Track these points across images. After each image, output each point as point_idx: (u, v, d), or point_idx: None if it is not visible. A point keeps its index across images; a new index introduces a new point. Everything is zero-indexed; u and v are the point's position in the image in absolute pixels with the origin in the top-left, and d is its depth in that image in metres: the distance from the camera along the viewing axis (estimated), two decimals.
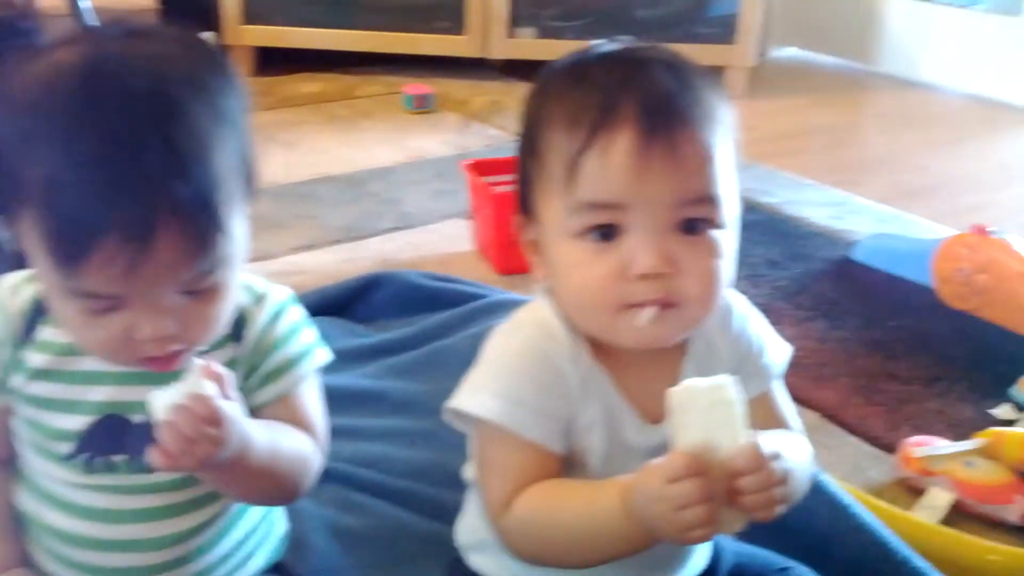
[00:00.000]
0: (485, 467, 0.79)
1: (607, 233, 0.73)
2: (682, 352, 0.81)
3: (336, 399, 1.33)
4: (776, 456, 0.68)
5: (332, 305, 1.56)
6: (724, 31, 2.81)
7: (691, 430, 0.68)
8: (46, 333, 0.76)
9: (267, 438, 0.75)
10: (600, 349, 0.78)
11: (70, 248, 0.65)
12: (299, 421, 0.80)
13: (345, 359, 1.44)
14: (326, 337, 1.46)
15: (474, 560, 0.88)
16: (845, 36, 3.25)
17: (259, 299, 0.81)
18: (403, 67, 2.94)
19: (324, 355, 0.84)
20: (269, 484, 0.78)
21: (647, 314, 0.73)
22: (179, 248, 0.67)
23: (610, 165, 0.71)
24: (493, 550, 0.82)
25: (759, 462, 0.67)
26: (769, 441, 0.69)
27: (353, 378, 1.40)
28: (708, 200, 0.73)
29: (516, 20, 2.82)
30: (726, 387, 0.68)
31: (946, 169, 2.41)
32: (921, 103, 2.96)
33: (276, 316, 0.81)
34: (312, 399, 0.82)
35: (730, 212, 0.76)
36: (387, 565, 1.04)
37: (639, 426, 0.79)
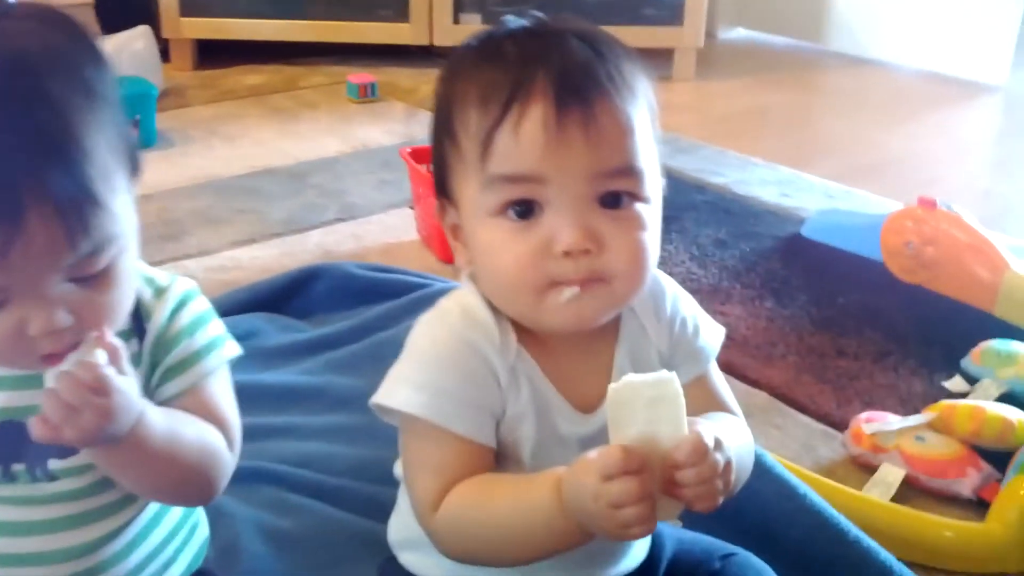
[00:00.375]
0: (412, 464, 0.76)
1: (526, 210, 0.70)
2: (614, 337, 0.78)
3: (272, 397, 1.31)
4: (718, 446, 0.65)
5: (268, 300, 1.51)
6: (671, 13, 2.78)
7: (630, 424, 0.65)
8: None
9: (167, 423, 0.71)
10: (528, 336, 0.75)
11: None
12: (208, 416, 0.76)
13: (282, 355, 1.40)
14: (261, 333, 1.45)
15: (406, 559, 0.85)
16: (794, 16, 3.24)
17: (161, 291, 0.77)
18: (348, 57, 2.89)
19: (233, 349, 0.80)
20: (173, 475, 0.73)
21: (569, 292, 0.70)
22: (53, 230, 0.63)
23: (524, 137, 0.69)
24: (425, 548, 0.79)
25: (701, 454, 0.64)
26: (710, 429, 0.66)
27: (290, 375, 1.35)
28: (629, 172, 0.71)
29: (461, 6, 2.78)
30: (670, 382, 0.65)
31: (897, 146, 2.41)
32: (872, 81, 2.95)
33: (179, 308, 0.77)
34: (222, 394, 0.78)
35: (654, 186, 0.73)
36: (322, 567, 1.01)
37: (571, 415, 0.76)
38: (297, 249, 1.77)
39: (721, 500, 0.66)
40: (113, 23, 2.57)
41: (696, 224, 1.86)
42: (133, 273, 0.71)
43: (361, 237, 1.83)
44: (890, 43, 3.05)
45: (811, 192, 2.06)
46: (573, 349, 0.76)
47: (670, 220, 1.95)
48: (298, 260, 1.69)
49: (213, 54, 2.88)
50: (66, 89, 0.64)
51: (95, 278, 0.67)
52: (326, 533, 1.05)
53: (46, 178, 0.62)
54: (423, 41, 2.82)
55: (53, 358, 0.67)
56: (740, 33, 3.42)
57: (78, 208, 0.63)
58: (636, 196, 0.71)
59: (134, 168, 0.71)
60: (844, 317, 1.55)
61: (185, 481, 0.74)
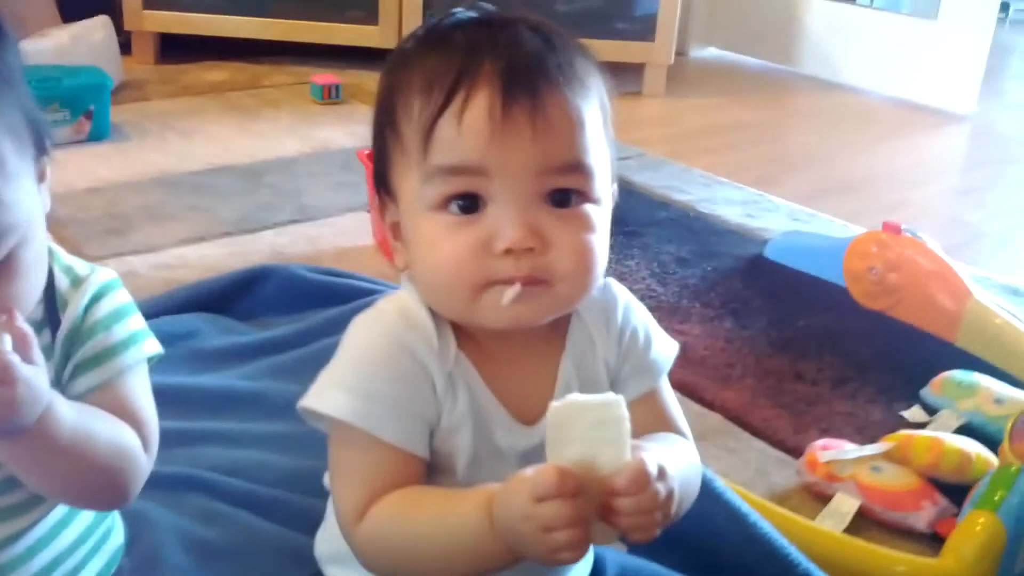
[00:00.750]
0: (338, 472, 0.72)
1: (469, 205, 0.67)
2: (560, 346, 0.74)
3: (207, 401, 1.25)
4: (661, 475, 0.61)
5: (211, 300, 1.46)
6: (643, 28, 2.77)
7: (570, 445, 0.61)
8: None
9: (76, 417, 0.66)
10: (470, 341, 0.72)
11: None
12: (123, 415, 0.71)
13: (220, 358, 1.35)
14: (200, 334, 1.39)
15: (332, 572, 0.81)
16: (766, 37, 3.24)
17: (78, 281, 0.72)
18: (314, 57, 2.84)
19: (153, 346, 0.75)
20: (82, 474, 0.68)
21: (511, 292, 0.66)
22: None
23: (467, 126, 0.65)
24: (353, 563, 0.74)
25: (641, 484, 0.60)
26: (654, 457, 0.62)
27: (228, 379, 1.30)
28: (577, 168, 0.67)
29: (431, 10, 2.74)
30: (615, 405, 0.61)
31: (863, 168, 2.39)
32: (840, 104, 2.95)
33: (96, 299, 0.72)
34: (139, 393, 0.73)
35: (604, 188, 0.70)
36: None
37: (511, 426, 0.72)
38: (248, 249, 1.72)
39: (658, 531, 0.62)
40: (74, 11, 2.52)
41: (658, 241, 1.82)
42: (39, 262, 0.66)
43: (315, 239, 1.78)
44: (861, 69, 3.05)
45: (776, 213, 2.03)
46: (516, 356, 0.72)
47: (632, 236, 1.96)
48: (248, 260, 1.64)
49: (176, 49, 2.83)
50: None
51: None
52: (253, 545, 0.99)
53: None
54: (391, 44, 2.71)
55: None
56: (712, 52, 3.41)
57: None
58: (585, 196, 0.68)
59: (40, 148, 0.66)
60: (804, 341, 1.52)
61: (95, 482, 0.69)
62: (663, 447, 0.68)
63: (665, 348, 0.78)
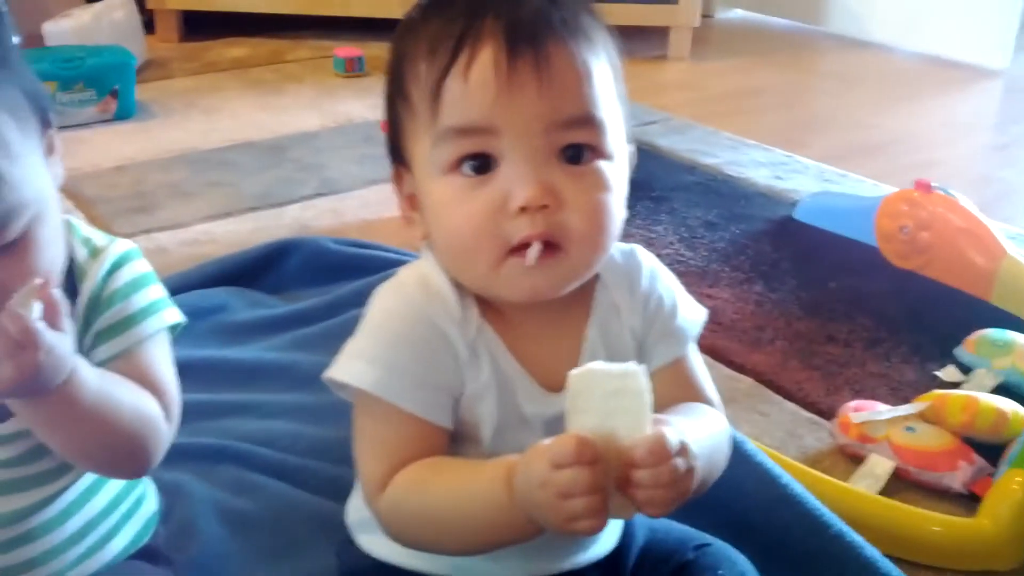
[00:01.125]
0: (362, 442, 0.72)
1: (481, 165, 0.66)
2: (585, 313, 0.74)
3: (238, 374, 1.26)
4: (683, 451, 0.60)
5: (238, 274, 1.46)
6: None
7: (589, 414, 0.60)
8: None
9: (100, 383, 0.67)
10: (492, 310, 0.71)
11: None
12: (143, 383, 0.71)
13: (249, 331, 1.36)
14: (229, 308, 1.40)
15: (363, 540, 0.80)
16: None
17: (97, 252, 0.73)
18: (335, 30, 2.83)
19: (174, 315, 0.75)
20: (104, 439, 0.68)
21: (533, 251, 0.65)
22: None
23: (474, 83, 0.65)
24: (379, 530, 0.75)
25: (659, 456, 0.59)
26: (677, 431, 0.61)
27: (257, 351, 1.31)
28: (587, 121, 0.66)
29: None
30: (636, 375, 0.60)
31: (893, 128, 2.35)
32: (870, 63, 2.89)
33: (115, 269, 0.72)
34: (159, 362, 0.74)
35: (618, 144, 0.69)
36: (279, 550, 0.97)
37: (536, 394, 0.71)
38: (273, 224, 1.72)
39: (673, 508, 0.61)
40: None
41: (686, 205, 1.80)
42: (56, 237, 0.67)
43: (339, 212, 1.78)
44: (891, 25, 2.99)
45: (804, 174, 2.00)
46: (541, 324, 0.72)
47: (659, 200, 1.94)
48: (273, 235, 1.64)
49: (199, 26, 2.82)
50: None
51: (11, 248, 0.63)
52: (286, 514, 1.00)
53: None
54: None
55: None
56: (738, 14, 3.36)
57: None
58: (598, 151, 0.67)
59: (44, 121, 0.66)
60: (835, 302, 1.50)
61: (117, 448, 0.70)
62: (688, 420, 0.67)
63: (692, 315, 0.77)
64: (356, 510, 0.82)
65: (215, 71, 2.58)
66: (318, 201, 1.82)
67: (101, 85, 2.15)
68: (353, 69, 2.54)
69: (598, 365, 0.61)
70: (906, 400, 1.22)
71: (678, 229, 1.71)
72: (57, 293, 0.63)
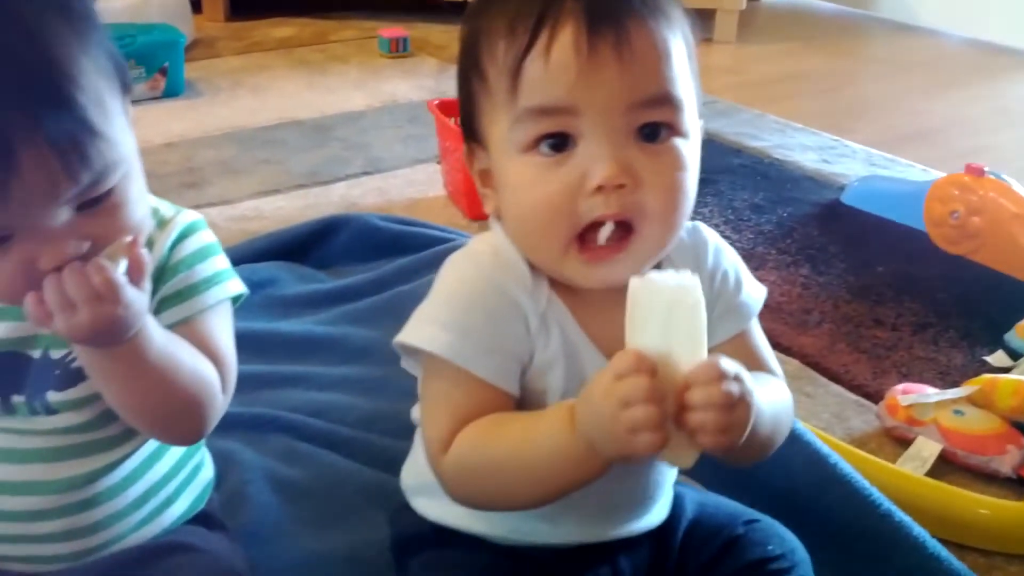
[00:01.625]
0: (429, 404, 0.72)
1: (559, 144, 0.66)
2: None
3: (289, 346, 1.28)
4: (737, 377, 0.61)
5: (288, 249, 1.48)
6: None
7: (648, 332, 0.61)
8: None
9: (165, 342, 0.68)
10: (561, 284, 0.71)
11: None
12: (202, 351, 0.72)
13: (300, 305, 1.37)
14: (279, 282, 1.41)
15: (418, 503, 0.82)
16: None
17: (164, 222, 0.74)
18: (380, 11, 2.85)
19: (236, 286, 0.76)
20: (163, 398, 0.69)
21: (605, 231, 0.66)
22: (50, 167, 0.59)
23: (554, 63, 0.64)
24: (439, 494, 0.76)
25: (713, 376, 0.59)
26: (734, 363, 0.61)
27: (307, 324, 1.32)
28: (666, 100, 0.66)
29: None
30: (691, 289, 0.61)
31: (942, 114, 2.32)
32: (918, 48, 2.86)
33: (181, 238, 0.74)
34: (220, 331, 0.75)
35: (693, 122, 0.69)
36: (329, 518, 0.98)
37: (602, 364, 0.71)
38: (320, 201, 1.74)
39: (728, 438, 0.60)
40: None
41: (732, 188, 1.80)
42: (142, 196, 0.68)
43: (386, 191, 1.79)
44: (939, 10, 2.95)
45: (852, 159, 1.99)
46: (609, 297, 0.71)
47: (705, 183, 1.88)
48: (321, 212, 1.66)
49: (245, 6, 2.85)
50: (43, 13, 0.60)
51: (103, 204, 0.64)
52: (335, 484, 1.02)
53: (34, 114, 0.58)
54: None
55: None
56: None
57: (73, 141, 0.60)
58: (675, 129, 0.67)
59: (125, 87, 0.67)
60: (883, 286, 1.49)
61: (173, 408, 0.71)
62: (753, 379, 0.67)
63: (755, 291, 0.78)
64: (413, 474, 0.83)
65: (261, 50, 2.61)
66: (364, 179, 1.84)
67: (151, 63, 2.18)
68: (397, 49, 2.55)
69: (656, 274, 0.62)
70: (954, 384, 1.21)
71: (724, 212, 1.71)
72: (144, 253, 0.65)
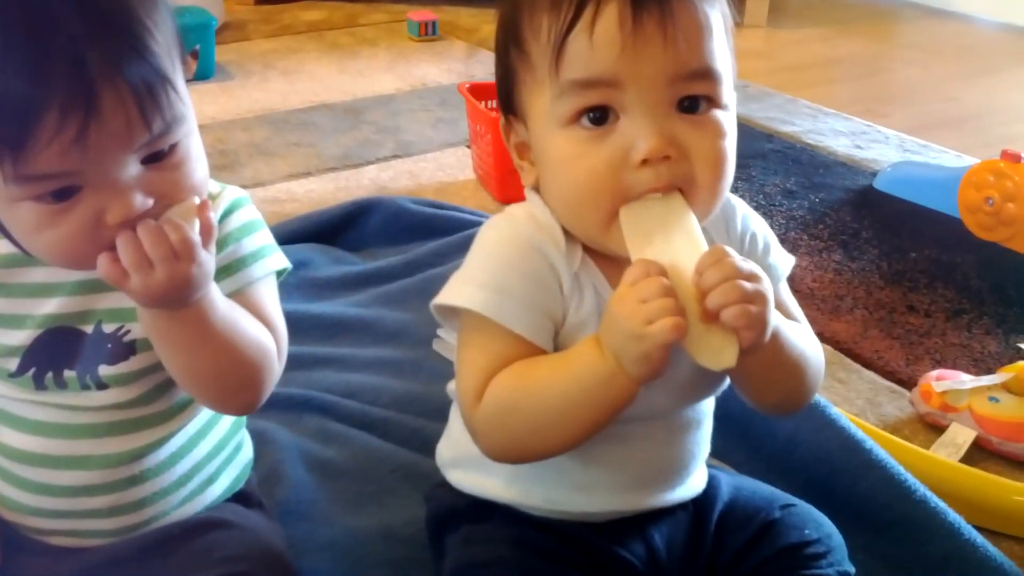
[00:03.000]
0: (464, 360, 0.72)
1: (601, 117, 0.66)
2: None
3: (322, 327, 1.29)
4: (751, 274, 0.63)
5: (320, 232, 1.49)
6: None
7: (650, 246, 0.65)
8: None
9: (227, 307, 0.69)
10: (594, 248, 0.72)
11: (12, 130, 0.60)
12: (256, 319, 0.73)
13: (332, 287, 1.38)
14: (312, 264, 1.42)
15: (455, 476, 0.82)
16: None
17: (212, 197, 0.74)
18: None
19: (281, 261, 0.77)
20: (226, 364, 0.70)
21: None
22: (128, 111, 0.61)
23: (599, 38, 0.65)
24: (474, 466, 0.78)
25: (718, 256, 0.63)
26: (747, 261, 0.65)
27: (340, 306, 1.33)
28: (708, 74, 0.66)
29: None
30: (676, 199, 0.66)
31: (977, 100, 2.30)
32: (952, 33, 2.82)
33: (227, 214, 0.75)
34: (270, 302, 0.76)
35: (729, 94, 0.69)
36: (364, 498, 0.99)
37: None
38: (352, 184, 1.75)
39: (749, 311, 0.62)
40: None
41: (764, 173, 1.79)
42: (203, 155, 0.69)
43: (416, 174, 1.80)
44: None
45: (885, 144, 1.97)
46: None
47: (737, 168, 1.87)
48: (352, 195, 1.66)
49: None
50: None
51: (167, 158, 0.65)
52: (370, 464, 1.03)
53: (117, 59, 0.60)
54: None
55: None
56: None
57: (150, 86, 0.62)
58: (714, 101, 0.67)
59: (181, 55, 0.68)
60: (916, 272, 1.48)
61: (233, 374, 0.71)
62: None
63: (783, 257, 0.78)
64: (449, 447, 0.83)
65: (291, 34, 2.61)
66: (395, 163, 1.84)
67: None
68: (427, 33, 2.55)
69: (644, 198, 0.66)
70: (988, 371, 1.20)
71: (755, 196, 1.70)
72: (212, 216, 0.66)
